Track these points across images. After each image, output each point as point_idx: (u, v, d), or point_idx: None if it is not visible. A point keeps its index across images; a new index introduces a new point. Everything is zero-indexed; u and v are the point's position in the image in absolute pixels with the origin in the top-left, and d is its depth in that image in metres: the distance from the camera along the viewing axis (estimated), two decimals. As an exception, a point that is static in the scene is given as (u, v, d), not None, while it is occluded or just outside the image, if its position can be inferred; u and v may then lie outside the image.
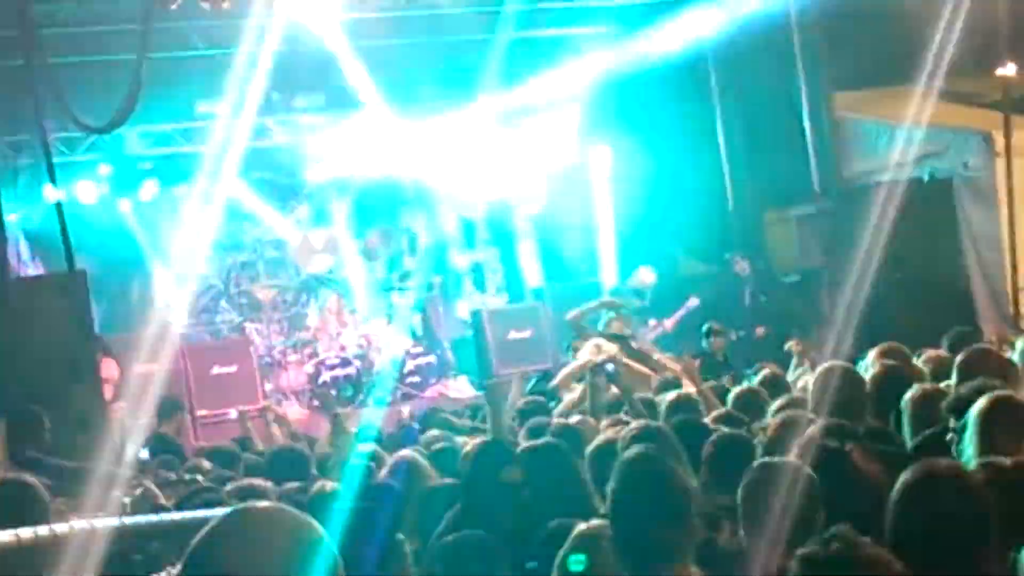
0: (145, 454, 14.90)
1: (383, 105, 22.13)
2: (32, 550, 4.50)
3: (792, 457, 6.01)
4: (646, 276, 21.19)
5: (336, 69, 21.64)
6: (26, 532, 4.53)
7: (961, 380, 7.68)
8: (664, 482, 4.86)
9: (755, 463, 5.83)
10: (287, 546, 2.85)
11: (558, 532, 5.75)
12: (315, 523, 2.93)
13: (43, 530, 4.67)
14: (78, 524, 4.49)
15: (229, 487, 8.83)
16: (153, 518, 5.09)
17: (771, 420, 8.00)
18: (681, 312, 20.58)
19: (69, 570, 4.33)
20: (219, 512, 3.00)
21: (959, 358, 8.43)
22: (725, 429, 7.50)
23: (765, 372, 11.98)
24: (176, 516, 5.01)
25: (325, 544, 2.91)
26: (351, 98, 22.11)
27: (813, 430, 6.23)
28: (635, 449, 5.36)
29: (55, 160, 17.80)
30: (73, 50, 18.68)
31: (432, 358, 22.79)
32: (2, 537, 4.43)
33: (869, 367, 9.59)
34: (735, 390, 10.74)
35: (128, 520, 4.80)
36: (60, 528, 4.33)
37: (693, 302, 20.47)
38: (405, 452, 9.00)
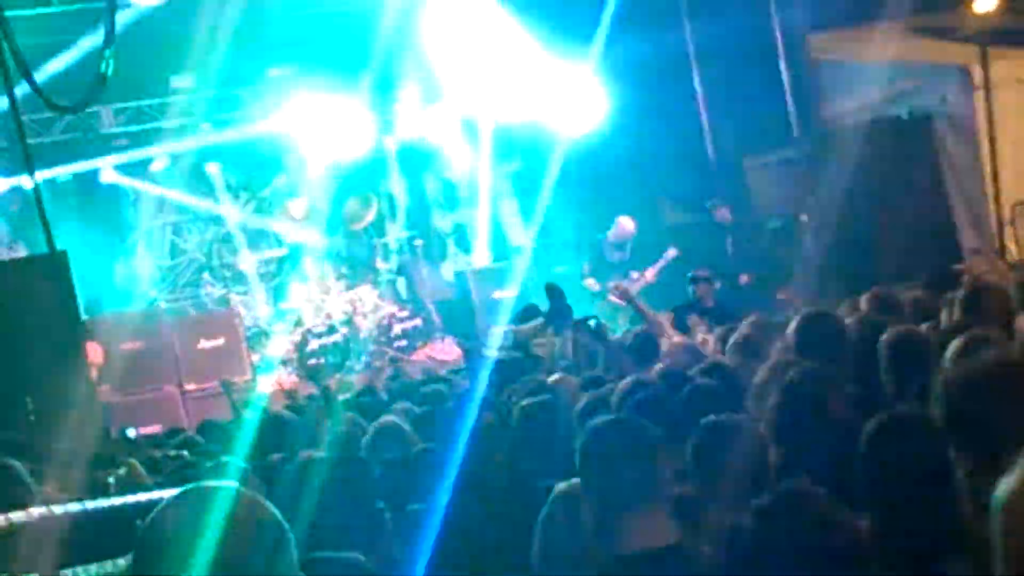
0: (133, 432, 14.88)
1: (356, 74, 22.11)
2: (26, 532, 4.50)
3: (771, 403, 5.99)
4: (626, 226, 21.10)
5: (308, 38, 21.57)
6: (18, 514, 4.53)
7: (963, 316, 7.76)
8: (629, 435, 4.86)
9: (704, 422, 5.83)
10: (233, 525, 2.84)
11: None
12: (263, 501, 2.92)
13: (36, 511, 4.66)
14: (36, 511, 4.48)
15: (209, 463, 8.80)
16: (115, 501, 5.08)
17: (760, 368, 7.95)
18: (661, 263, 20.53)
19: (27, 557, 4.33)
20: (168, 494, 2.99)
21: (960, 295, 8.42)
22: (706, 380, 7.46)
23: (752, 319, 11.90)
24: (135, 498, 5.00)
25: (274, 522, 2.90)
26: (324, 68, 22.04)
27: (789, 376, 6.18)
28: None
29: (31, 141, 17.79)
30: (43, 31, 18.59)
31: (418, 321, 22.78)
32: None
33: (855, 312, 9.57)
34: (731, 339, 10.66)
35: (90, 504, 4.79)
36: (17, 516, 4.31)
37: (672, 252, 20.42)
38: (387, 418, 8.99)
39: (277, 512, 2.91)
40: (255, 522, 2.87)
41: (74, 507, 4.63)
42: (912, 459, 4.60)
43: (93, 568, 4.48)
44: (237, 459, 8.67)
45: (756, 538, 3.95)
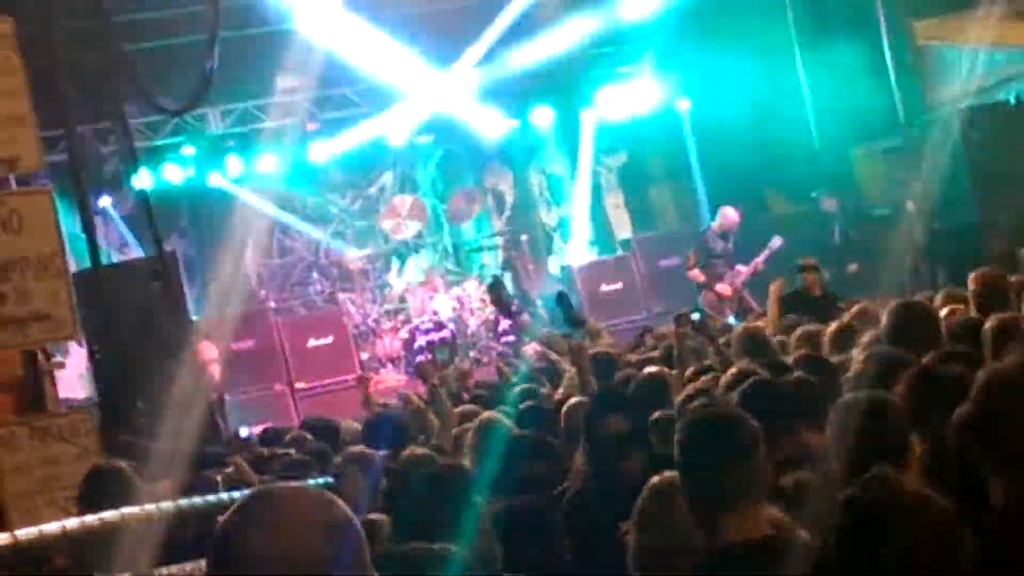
0: (246, 431, 15.04)
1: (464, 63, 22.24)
2: (121, 532, 4.57)
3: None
4: (731, 216, 20.90)
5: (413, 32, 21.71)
6: (111, 514, 4.60)
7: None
8: (730, 429, 4.85)
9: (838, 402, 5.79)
10: (307, 528, 2.87)
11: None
12: (337, 501, 2.94)
13: (131, 511, 4.73)
14: (131, 510, 4.54)
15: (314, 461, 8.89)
16: (210, 499, 5.15)
17: (857, 355, 7.91)
18: (767, 252, 20.27)
19: (124, 556, 4.39)
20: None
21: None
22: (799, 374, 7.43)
23: (857, 307, 11.81)
24: (229, 496, 5.06)
25: (346, 523, 2.92)
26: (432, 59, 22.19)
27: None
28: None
29: (140, 144, 18.04)
30: (149, 35, 18.84)
31: (525, 316, 22.78)
32: (89, 520, 4.49)
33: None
34: (831, 326, 10.59)
35: (185, 503, 4.85)
36: (110, 516, 4.38)
37: (776, 242, 20.18)
38: (488, 413, 9.02)
39: (351, 512, 2.93)
40: (327, 522, 2.89)
41: (170, 506, 4.69)
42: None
43: (189, 567, 4.55)
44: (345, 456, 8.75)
45: (842, 528, 3.93)
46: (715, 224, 20.95)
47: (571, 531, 6.77)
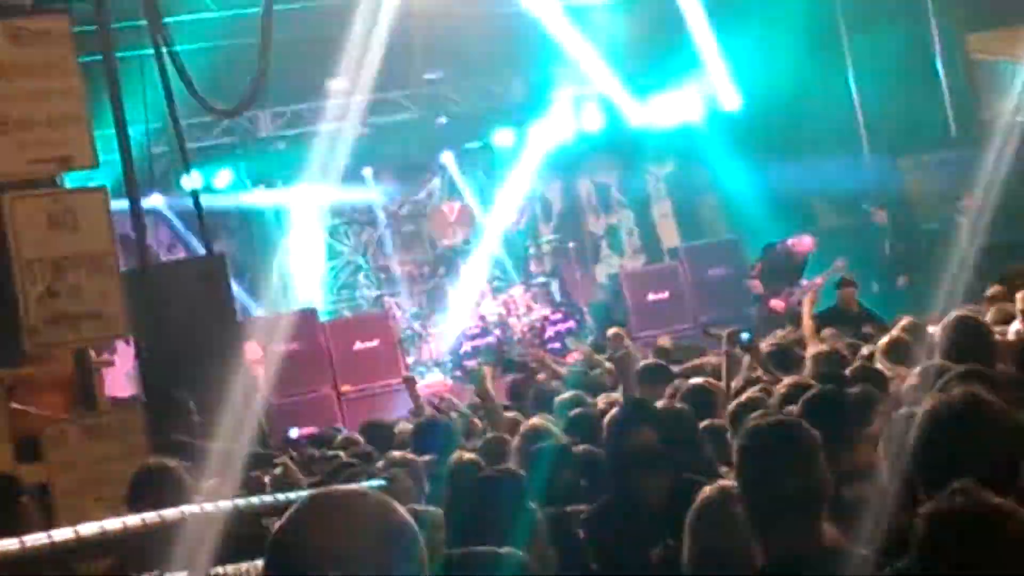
0: (295, 433, 15.06)
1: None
2: (177, 529, 4.58)
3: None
4: (807, 245, 20.69)
5: (462, 41, 21.72)
6: (171, 512, 4.61)
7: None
8: (793, 438, 4.81)
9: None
10: (367, 530, 2.87)
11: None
12: (395, 504, 2.94)
13: (188, 508, 4.74)
14: (189, 508, 4.55)
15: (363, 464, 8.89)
16: (266, 499, 5.15)
17: (910, 371, 7.88)
18: (828, 273, 20.07)
19: (180, 554, 4.39)
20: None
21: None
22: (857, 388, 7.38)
23: (905, 321, 11.75)
24: (286, 496, 5.06)
25: (405, 526, 2.92)
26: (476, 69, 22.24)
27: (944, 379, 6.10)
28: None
29: (190, 145, 18.07)
30: (203, 36, 18.89)
31: (571, 323, 22.78)
32: (147, 517, 4.50)
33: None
34: (881, 341, 10.55)
35: (242, 502, 4.85)
36: (171, 513, 4.39)
37: (840, 264, 20.02)
38: (535, 420, 9.01)
39: (408, 516, 2.93)
40: (385, 525, 2.89)
41: (227, 505, 4.70)
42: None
43: (244, 566, 4.56)
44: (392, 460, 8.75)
45: (923, 545, 3.88)
46: (789, 242, 20.77)
47: (593, 543, 6.76)
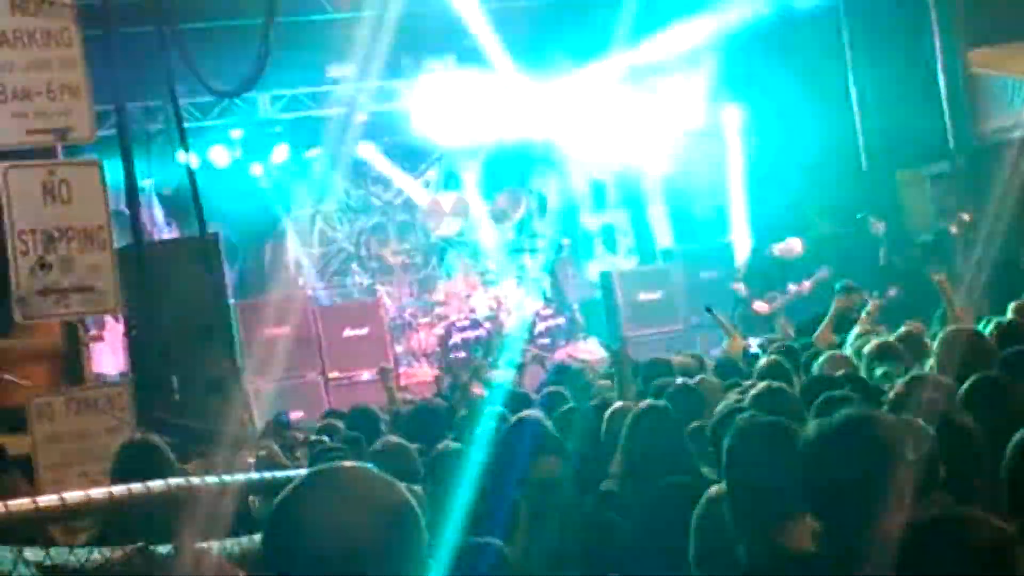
0: (282, 417, 15.02)
1: (512, 66, 22.18)
2: (164, 502, 4.56)
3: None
4: (795, 247, 20.76)
5: (465, 30, 21.70)
6: (158, 484, 4.59)
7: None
8: (778, 439, 4.79)
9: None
10: (367, 507, 2.85)
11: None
12: (396, 482, 2.92)
13: (176, 482, 4.72)
14: (177, 481, 4.53)
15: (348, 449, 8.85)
16: (253, 476, 5.13)
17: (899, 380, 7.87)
18: (812, 281, 20.11)
19: (201, 523, 4.38)
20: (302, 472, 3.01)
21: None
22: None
23: (903, 329, 11.70)
24: (274, 475, 5.04)
25: (407, 503, 2.90)
26: (481, 60, 22.18)
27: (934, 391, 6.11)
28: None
29: (188, 125, 18.00)
30: (203, 15, 18.83)
31: (562, 320, 22.78)
32: (135, 488, 4.48)
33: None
34: (872, 343, 10.51)
35: (229, 478, 4.82)
36: (157, 485, 4.37)
37: (823, 273, 20.06)
38: (528, 412, 8.97)
39: (409, 494, 2.91)
40: (387, 504, 2.87)
41: (212, 480, 4.67)
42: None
43: (229, 542, 4.53)
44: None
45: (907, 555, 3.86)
46: (777, 247, 20.86)
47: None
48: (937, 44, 20.65)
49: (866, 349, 10.22)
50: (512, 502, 6.05)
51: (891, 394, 7.37)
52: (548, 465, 7.13)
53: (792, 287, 20.22)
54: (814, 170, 22.05)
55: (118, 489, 4.27)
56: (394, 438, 8.81)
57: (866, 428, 4.39)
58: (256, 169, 23.17)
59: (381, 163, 24.16)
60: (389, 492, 2.89)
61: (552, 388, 11.24)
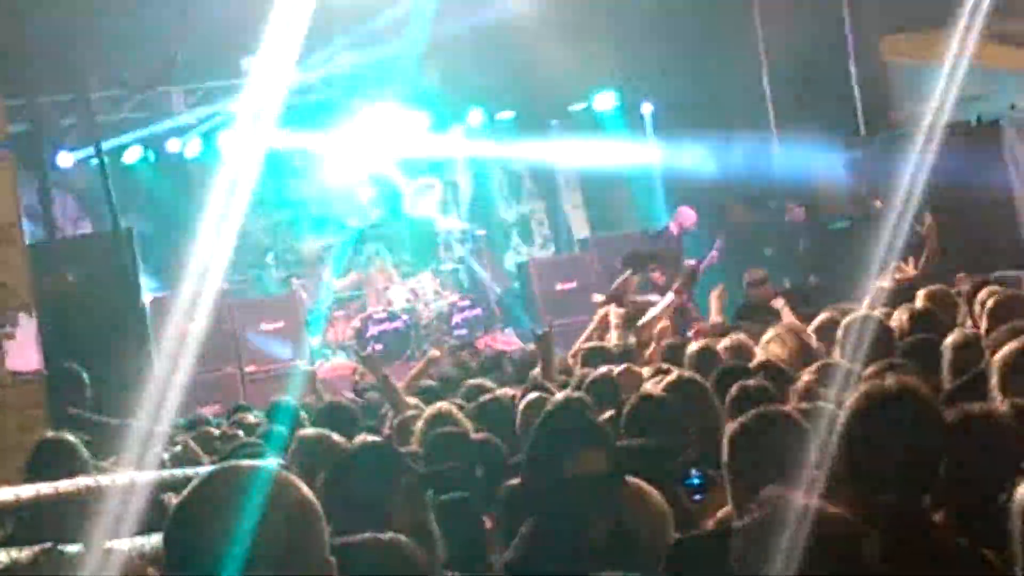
0: (200, 412, 14.96)
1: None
2: (74, 502, 4.53)
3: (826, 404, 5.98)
4: (688, 216, 20.96)
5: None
6: (66, 484, 4.56)
7: (992, 325, 7.69)
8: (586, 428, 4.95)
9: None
10: (264, 503, 2.84)
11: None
12: (297, 480, 2.92)
13: (84, 482, 4.70)
14: (85, 481, 4.50)
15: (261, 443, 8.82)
16: (163, 474, 5.11)
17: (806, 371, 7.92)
18: (711, 257, 20.14)
19: (76, 527, 4.35)
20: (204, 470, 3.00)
21: (990, 303, 8.39)
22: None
23: (823, 316, 11.79)
24: (183, 472, 5.03)
25: (307, 501, 2.90)
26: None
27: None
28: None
29: (100, 119, 17.91)
30: (116, 9, 18.70)
31: (479, 311, 22.78)
32: (43, 489, 4.46)
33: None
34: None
35: (138, 477, 4.81)
36: (65, 485, 4.34)
37: (719, 245, 20.18)
38: (441, 404, 8.96)
39: (310, 492, 2.91)
40: (287, 501, 2.87)
41: (124, 479, 4.65)
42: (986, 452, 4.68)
43: (139, 541, 4.51)
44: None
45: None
46: (672, 224, 21.02)
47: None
48: (849, 29, 20.79)
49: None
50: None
51: (799, 383, 7.43)
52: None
53: (687, 262, 20.10)
54: (728, 158, 22.17)
55: (26, 490, 4.24)
56: (312, 430, 8.80)
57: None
58: (170, 162, 22.98)
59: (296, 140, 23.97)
60: (289, 490, 2.89)
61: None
